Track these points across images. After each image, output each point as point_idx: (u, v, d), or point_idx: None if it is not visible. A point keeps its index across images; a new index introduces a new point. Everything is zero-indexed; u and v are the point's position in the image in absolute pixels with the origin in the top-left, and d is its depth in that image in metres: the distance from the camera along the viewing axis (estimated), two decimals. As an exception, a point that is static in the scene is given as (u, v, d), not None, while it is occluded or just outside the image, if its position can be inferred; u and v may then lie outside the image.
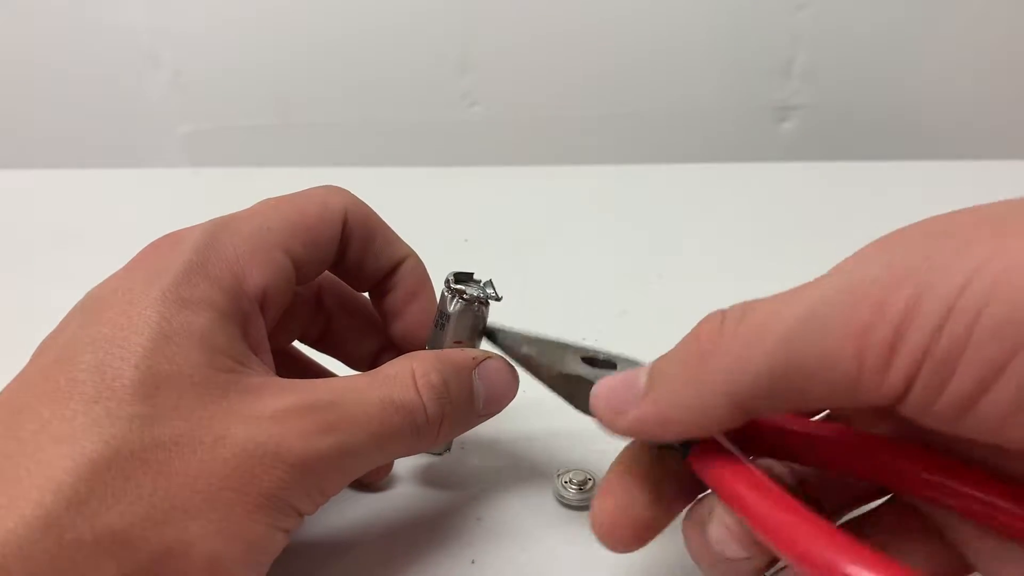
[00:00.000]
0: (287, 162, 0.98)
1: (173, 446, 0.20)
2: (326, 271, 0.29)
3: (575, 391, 0.26)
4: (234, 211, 0.26)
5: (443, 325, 0.28)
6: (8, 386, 0.22)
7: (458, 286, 0.27)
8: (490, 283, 0.28)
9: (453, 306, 0.27)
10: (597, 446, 0.32)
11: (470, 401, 0.26)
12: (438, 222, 0.56)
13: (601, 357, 0.27)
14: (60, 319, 0.24)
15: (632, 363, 0.26)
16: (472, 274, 0.28)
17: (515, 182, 0.66)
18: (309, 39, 0.95)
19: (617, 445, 0.32)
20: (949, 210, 0.16)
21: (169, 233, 0.25)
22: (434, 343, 0.28)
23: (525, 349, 0.28)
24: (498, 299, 0.28)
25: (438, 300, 0.28)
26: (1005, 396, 0.13)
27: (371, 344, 0.31)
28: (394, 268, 0.29)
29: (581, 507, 0.28)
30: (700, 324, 0.19)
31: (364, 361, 0.31)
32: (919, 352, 0.14)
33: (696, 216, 0.57)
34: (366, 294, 0.31)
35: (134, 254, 0.25)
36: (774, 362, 0.16)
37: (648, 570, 0.26)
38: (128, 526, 0.19)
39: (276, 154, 1.01)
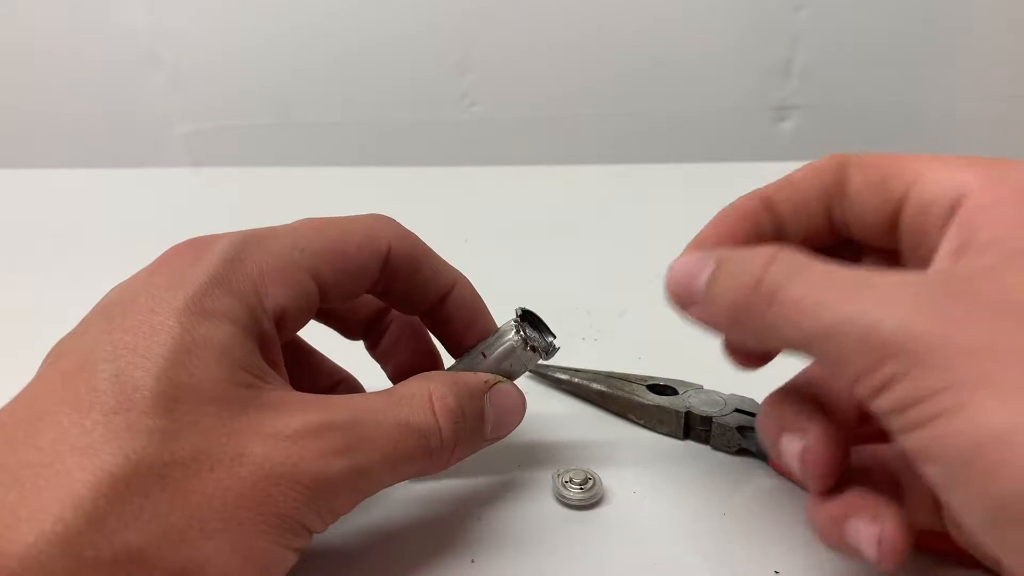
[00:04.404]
0: (287, 162, 0.98)
1: (192, 462, 0.20)
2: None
3: (648, 416, 0.32)
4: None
5: (489, 352, 0.28)
6: (27, 388, 0.22)
7: (525, 328, 0.27)
8: (552, 345, 0.28)
9: (513, 342, 0.27)
10: (597, 446, 0.32)
11: (481, 425, 0.26)
12: (438, 222, 0.56)
13: (661, 383, 0.33)
14: (60, 318, 0.24)
15: (686, 385, 0.33)
16: (541, 319, 0.28)
17: (515, 182, 0.66)
18: (309, 39, 0.95)
19: (615, 450, 0.32)
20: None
21: (195, 238, 0.25)
22: (468, 361, 0.28)
23: (596, 387, 0.33)
24: (549, 356, 0.28)
25: (500, 325, 0.28)
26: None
27: (365, 313, 0.31)
28: (443, 296, 0.29)
29: (581, 507, 0.28)
30: (753, 263, 0.21)
31: (358, 331, 0.31)
32: (890, 410, 0.18)
33: (696, 216, 0.57)
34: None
35: (133, 254, 0.25)
36: (796, 344, 0.20)
37: (648, 569, 0.26)
38: (145, 544, 0.19)
39: (276, 154, 1.01)
